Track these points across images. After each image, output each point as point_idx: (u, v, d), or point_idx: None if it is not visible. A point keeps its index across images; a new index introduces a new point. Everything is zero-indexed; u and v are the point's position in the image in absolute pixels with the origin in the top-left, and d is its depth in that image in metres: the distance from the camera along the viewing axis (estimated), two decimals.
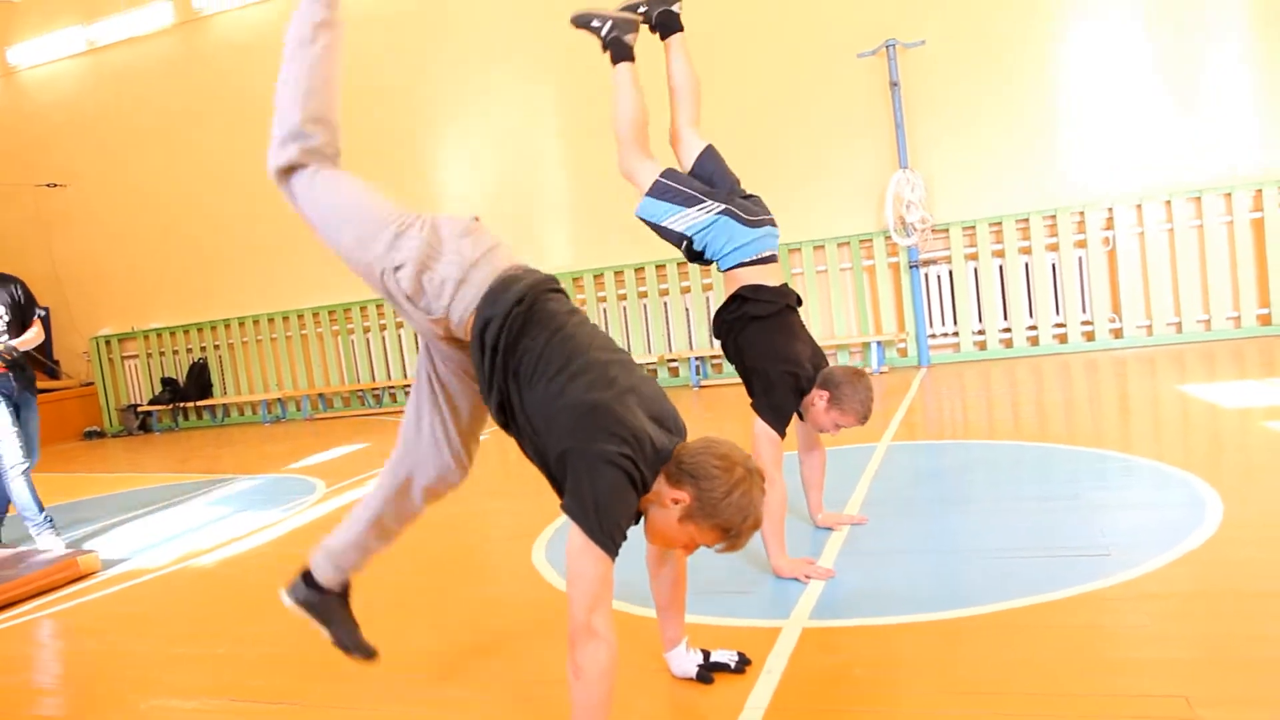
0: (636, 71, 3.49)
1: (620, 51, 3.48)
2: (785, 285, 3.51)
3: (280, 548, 4.77)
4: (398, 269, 2.16)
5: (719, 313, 3.51)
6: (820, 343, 9.37)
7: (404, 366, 11.79)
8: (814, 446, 3.76)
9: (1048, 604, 2.73)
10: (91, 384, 13.61)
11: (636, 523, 2.08)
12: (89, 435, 13.19)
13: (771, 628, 2.80)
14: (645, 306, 10.59)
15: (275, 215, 12.07)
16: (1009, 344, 9.36)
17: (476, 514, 5.10)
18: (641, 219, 3.46)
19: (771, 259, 3.46)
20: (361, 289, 11.86)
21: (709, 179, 3.46)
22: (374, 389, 11.85)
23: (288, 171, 2.35)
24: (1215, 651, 2.32)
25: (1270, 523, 3.30)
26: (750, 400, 3.44)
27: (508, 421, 2.15)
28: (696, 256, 3.47)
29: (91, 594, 4.26)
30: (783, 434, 3.38)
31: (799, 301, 3.55)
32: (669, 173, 3.40)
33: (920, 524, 3.79)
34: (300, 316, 12.24)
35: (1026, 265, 9.22)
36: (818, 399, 3.37)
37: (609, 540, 1.92)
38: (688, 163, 3.51)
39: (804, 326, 3.55)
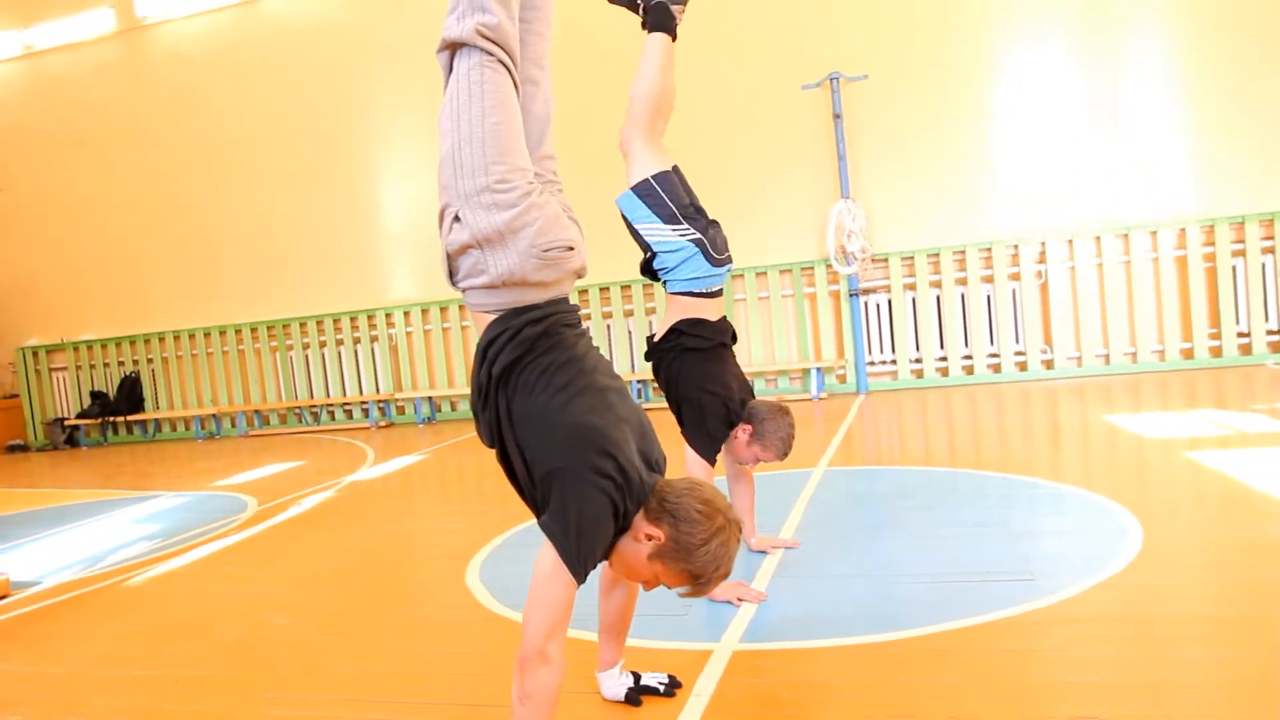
0: (671, 51, 3.34)
1: (660, 20, 3.30)
2: (724, 319, 3.56)
3: (205, 567, 4.66)
4: (458, 220, 2.04)
5: (656, 341, 3.54)
6: (761, 368, 9.61)
7: (343, 384, 11.62)
8: (740, 473, 3.80)
9: (972, 628, 2.78)
10: (16, 396, 13.19)
11: (605, 557, 2.05)
12: (11, 449, 12.76)
13: (702, 650, 2.81)
14: (588, 329, 10.59)
15: (214, 228, 11.91)
16: (945, 373, 9.55)
17: (410, 535, 5.04)
18: (619, 208, 3.42)
19: (719, 293, 3.52)
20: (301, 305, 11.70)
21: (680, 199, 3.41)
22: (311, 406, 11.66)
23: (456, 46, 2.09)
24: (1129, 675, 2.38)
25: (1186, 550, 3.40)
26: (681, 429, 3.48)
27: (492, 438, 2.12)
28: (651, 271, 3.50)
29: (2, 615, 4.10)
30: (713, 462, 3.44)
31: (734, 339, 3.61)
32: (661, 177, 3.35)
33: (853, 549, 3.83)
34: (238, 331, 12.01)
35: (963, 296, 9.43)
36: (740, 432, 3.46)
37: (581, 566, 1.89)
38: (634, 177, 3.41)
39: (735, 360, 3.61)
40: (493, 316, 2.10)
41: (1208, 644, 2.55)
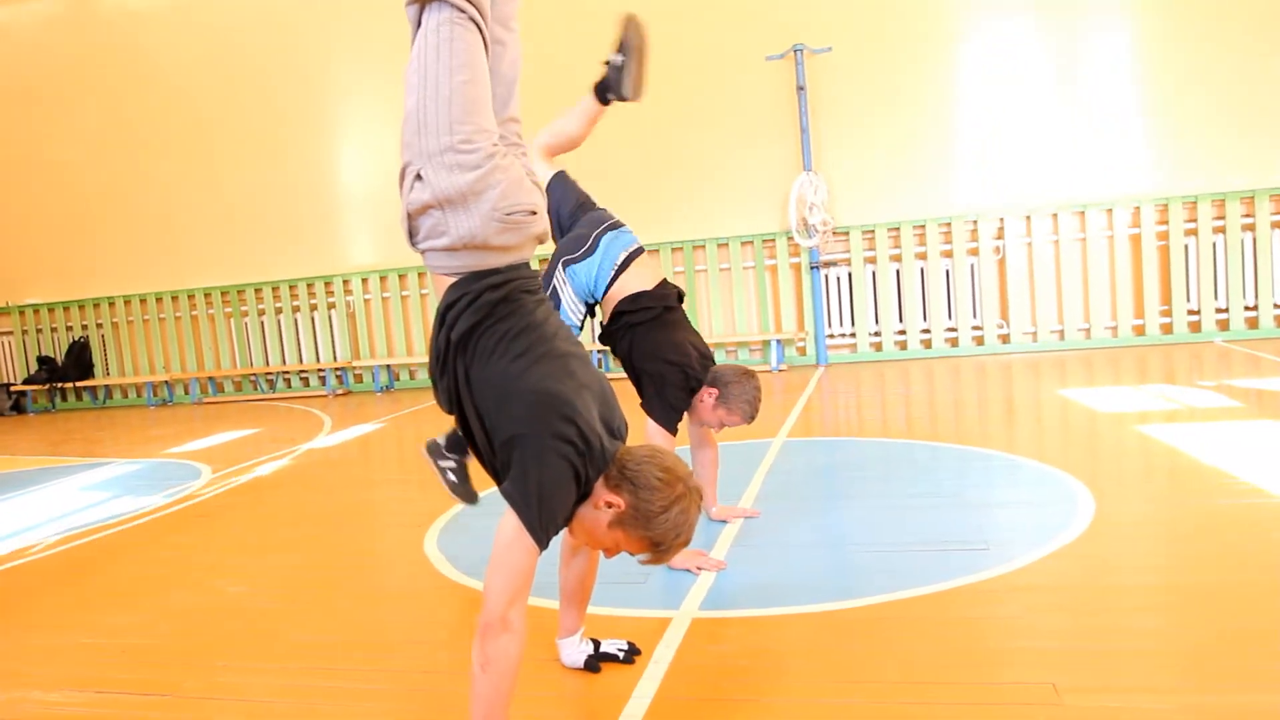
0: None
1: (604, 90, 3.49)
2: (664, 283, 3.56)
3: (156, 534, 4.57)
4: (420, 178, 1.99)
5: (605, 327, 3.55)
6: (721, 339, 9.61)
7: (299, 351, 11.45)
8: (705, 442, 3.80)
9: (927, 596, 2.81)
10: None
11: (565, 524, 2.03)
12: None
13: (662, 618, 2.81)
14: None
15: (167, 189, 11.62)
16: (903, 346, 9.63)
17: (367, 504, 4.99)
18: None
19: (633, 258, 3.49)
20: (258, 270, 11.50)
21: (555, 214, 3.51)
22: (267, 373, 11.49)
23: (426, 0, 1.99)
24: (1082, 641, 2.42)
25: (1137, 521, 3.46)
26: (640, 401, 3.47)
27: (451, 404, 2.09)
28: (592, 310, 3.58)
29: None
30: (674, 432, 3.43)
31: (680, 298, 3.60)
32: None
33: (811, 518, 3.85)
34: (191, 296, 11.77)
35: (922, 270, 9.50)
36: (706, 396, 3.44)
37: (543, 533, 1.88)
38: None
39: (688, 321, 3.60)
40: (452, 280, 2.06)
41: (1159, 612, 2.60)
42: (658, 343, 3.42)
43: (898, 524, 3.63)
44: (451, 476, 3.52)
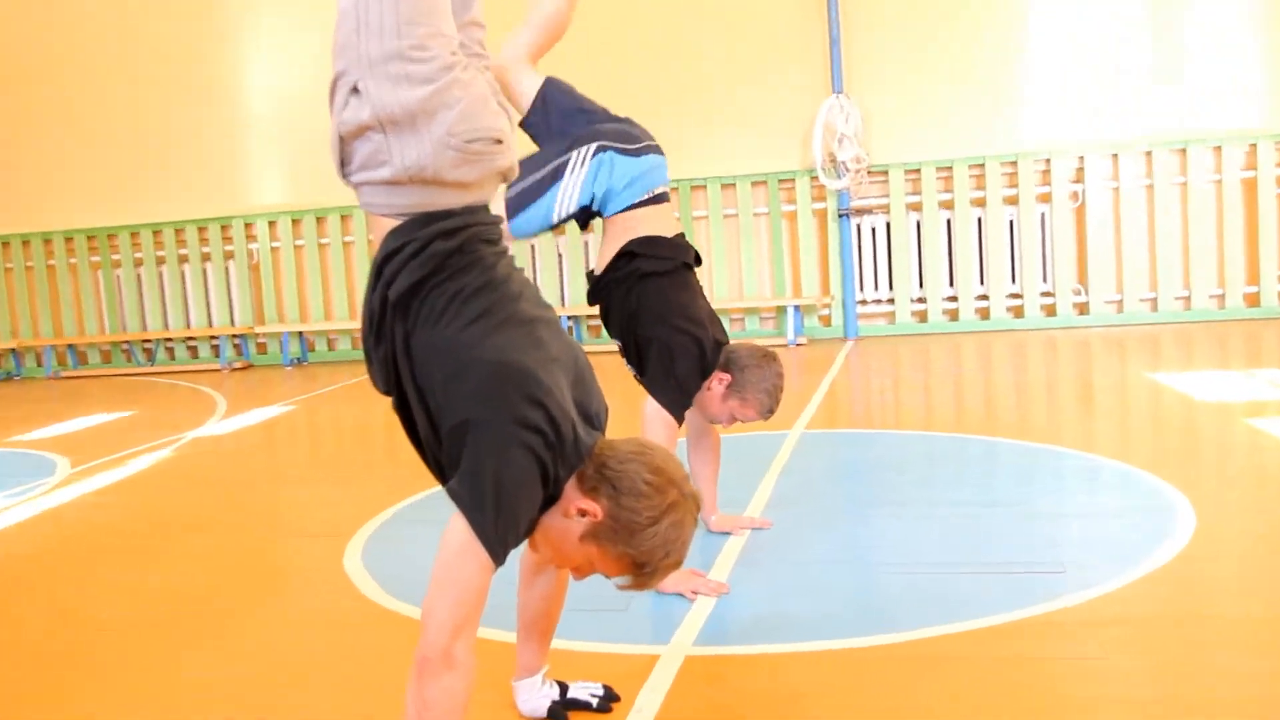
0: None
1: None
2: (682, 236, 3.55)
3: (1, 545, 4.55)
4: (356, 91, 1.97)
5: (601, 273, 3.50)
6: (725, 304, 9.62)
7: (187, 313, 11.40)
8: (706, 432, 3.79)
9: (985, 629, 2.81)
10: None
11: (527, 535, 2.01)
12: None
13: (647, 655, 2.81)
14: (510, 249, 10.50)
15: (14, 101, 11.48)
16: (954, 316, 9.65)
17: (272, 507, 4.98)
18: (529, 232, 3.48)
19: (663, 197, 3.49)
20: (133, 210, 11.41)
21: (562, 117, 3.45)
22: (145, 341, 11.44)
23: None
24: (1178, 687, 2.43)
25: (1246, 536, 3.48)
26: (641, 379, 3.45)
27: (388, 383, 2.08)
28: (589, 218, 3.49)
29: None
30: (681, 419, 3.40)
31: (698, 260, 3.59)
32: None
33: (835, 530, 3.87)
34: (47, 241, 11.68)
35: (979, 220, 9.51)
36: (715, 382, 3.43)
37: (500, 545, 1.85)
38: (524, 102, 3.47)
39: (701, 290, 3.60)
40: (394, 223, 2.04)
41: (1273, 652, 2.61)
42: (672, 304, 3.39)
43: (945, 539, 3.64)
44: None
